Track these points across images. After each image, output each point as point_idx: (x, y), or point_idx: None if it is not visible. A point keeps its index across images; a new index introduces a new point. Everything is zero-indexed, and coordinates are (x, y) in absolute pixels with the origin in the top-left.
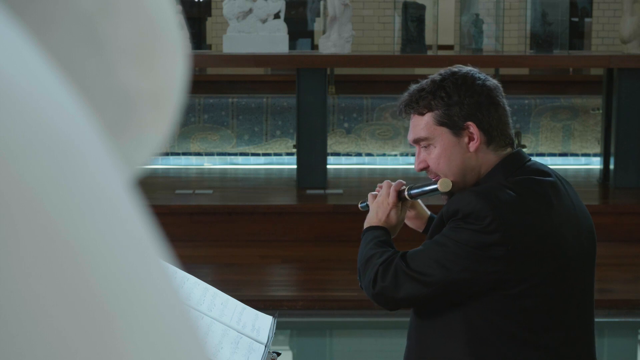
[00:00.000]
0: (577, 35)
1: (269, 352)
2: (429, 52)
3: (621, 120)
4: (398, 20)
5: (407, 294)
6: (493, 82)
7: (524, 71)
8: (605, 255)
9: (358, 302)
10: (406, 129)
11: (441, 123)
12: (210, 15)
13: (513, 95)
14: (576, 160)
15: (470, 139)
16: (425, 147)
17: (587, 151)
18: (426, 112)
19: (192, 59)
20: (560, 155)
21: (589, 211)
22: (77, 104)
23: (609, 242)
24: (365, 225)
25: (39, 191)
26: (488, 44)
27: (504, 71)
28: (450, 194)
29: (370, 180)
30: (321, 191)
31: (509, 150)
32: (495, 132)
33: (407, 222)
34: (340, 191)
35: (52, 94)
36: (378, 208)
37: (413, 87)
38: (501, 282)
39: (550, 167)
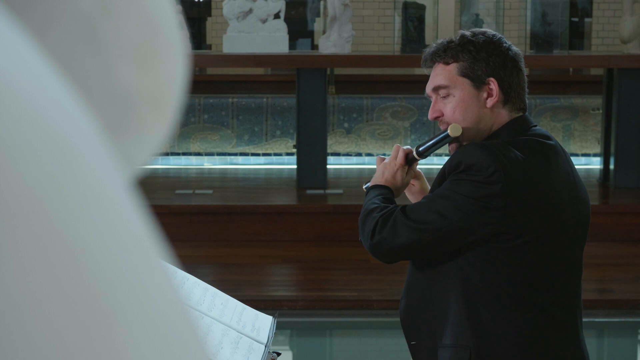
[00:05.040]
0: (577, 35)
1: (269, 352)
2: None
3: (621, 120)
4: (398, 20)
5: (404, 243)
6: (517, 49)
7: None
8: (605, 255)
9: (358, 302)
10: (406, 129)
11: (464, 74)
12: (210, 15)
13: None
14: (576, 160)
15: (489, 94)
16: (444, 96)
17: (587, 151)
18: (452, 62)
19: (192, 59)
20: None
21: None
22: (77, 104)
23: (609, 242)
24: (371, 183)
25: (38, 191)
26: None
27: None
28: (457, 147)
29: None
30: (321, 191)
31: (520, 114)
32: (513, 94)
33: (409, 196)
34: (341, 191)
35: (52, 93)
36: (385, 169)
37: (442, 40)
38: (497, 235)
39: None
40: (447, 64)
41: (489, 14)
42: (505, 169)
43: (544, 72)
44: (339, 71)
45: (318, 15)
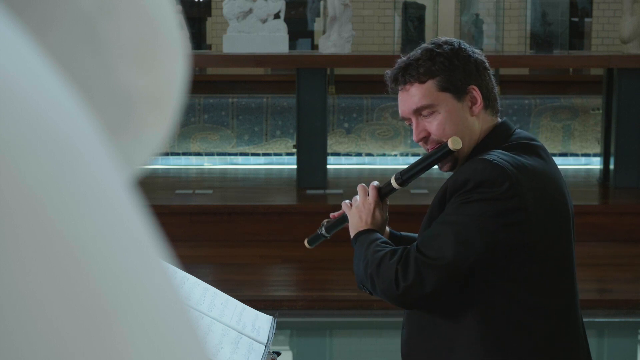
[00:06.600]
0: (577, 35)
1: (269, 352)
2: None
3: (621, 120)
4: (398, 20)
5: (434, 286)
6: (479, 51)
7: (524, 71)
8: (605, 255)
9: (358, 302)
10: (406, 129)
11: (444, 88)
12: (210, 15)
13: (513, 95)
14: (576, 160)
15: (473, 102)
16: (427, 115)
17: (587, 151)
18: (427, 79)
19: (192, 59)
20: (560, 155)
21: (589, 211)
22: (77, 104)
23: (609, 242)
24: (352, 232)
25: (38, 191)
26: (488, 44)
27: (504, 71)
28: (452, 165)
29: (370, 181)
30: (321, 191)
31: (498, 118)
32: (492, 96)
33: None
34: (341, 191)
35: (52, 93)
36: (360, 211)
37: (404, 59)
38: (518, 248)
39: None
40: (422, 82)
41: (489, 14)
42: (519, 181)
43: (544, 72)
44: (339, 71)
45: (318, 15)
